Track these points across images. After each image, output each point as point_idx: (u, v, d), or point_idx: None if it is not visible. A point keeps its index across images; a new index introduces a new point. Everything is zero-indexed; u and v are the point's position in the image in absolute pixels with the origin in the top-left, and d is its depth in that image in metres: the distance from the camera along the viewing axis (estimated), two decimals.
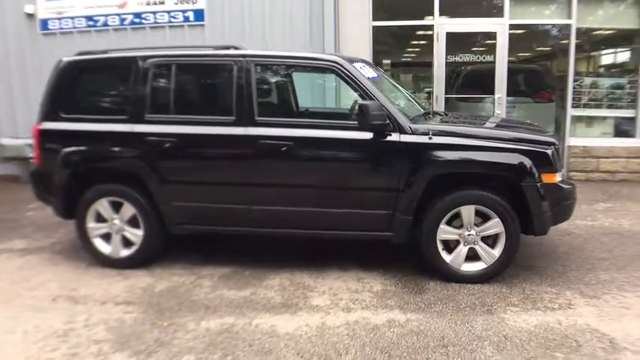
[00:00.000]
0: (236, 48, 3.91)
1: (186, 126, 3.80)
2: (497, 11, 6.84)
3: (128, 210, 3.96)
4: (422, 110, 4.13)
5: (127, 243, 4.05)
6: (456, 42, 6.89)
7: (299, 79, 3.91)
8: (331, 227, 3.80)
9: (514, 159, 3.52)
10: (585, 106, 6.95)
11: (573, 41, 6.70)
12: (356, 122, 3.64)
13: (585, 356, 2.77)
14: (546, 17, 7.02)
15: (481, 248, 3.67)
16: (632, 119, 6.87)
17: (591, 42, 7.39)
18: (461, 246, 3.69)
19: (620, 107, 6.90)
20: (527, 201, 3.54)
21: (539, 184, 3.53)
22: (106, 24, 7.41)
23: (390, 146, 3.58)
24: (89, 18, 7.41)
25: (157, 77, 3.88)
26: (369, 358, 2.77)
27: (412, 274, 3.91)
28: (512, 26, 6.79)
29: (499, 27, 6.82)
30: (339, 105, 4.03)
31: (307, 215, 3.77)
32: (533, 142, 3.64)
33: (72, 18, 7.40)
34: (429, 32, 7.01)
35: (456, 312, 3.31)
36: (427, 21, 7.02)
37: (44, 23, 7.53)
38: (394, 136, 3.58)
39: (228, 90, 3.77)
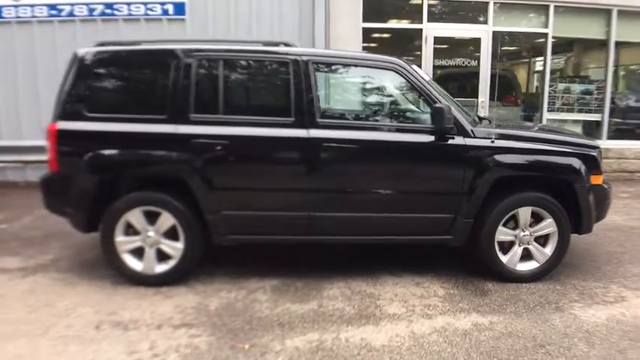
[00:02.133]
0: (286, 45, 3.68)
1: (240, 127, 3.50)
2: (482, 18, 7.14)
3: (166, 221, 3.56)
4: (470, 114, 4.15)
5: (161, 257, 3.66)
6: (443, 46, 7.09)
7: (358, 79, 3.76)
8: (393, 232, 3.71)
9: (570, 162, 3.67)
10: (558, 109, 7.50)
11: (549, 49, 7.20)
12: (419, 125, 3.61)
13: None
14: (526, 26, 7.45)
15: (535, 248, 3.78)
16: (599, 123, 7.53)
17: (564, 50, 7.99)
18: (516, 246, 3.77)
19: (589, 111, 7.53)
20: (578, 201, 3.71)
21: (588, 186, 3.71)
22: (71, 14, 6.65)
23: (455, 149, 3.58)
24: (52, 7, 6.60)
25: (203, 73, 3.53)
26: None
27: (464, 276, 3.93)
28: (494, 33, 7.14)
29: (483, 33, 7.14)
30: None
31: (370, 221, 3.64)
32: (583, 145, 3.82)
33: (31, 6, 6.55)
34: (418, 36, 7.14)
35: (530, 311, 3.37)
36: (416, 25, 7.14)
37: None
38: (458, 140, 3.57)
39: (285, 89, 3.53)
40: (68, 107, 3.55)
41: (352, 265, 4.11)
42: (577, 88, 7.51)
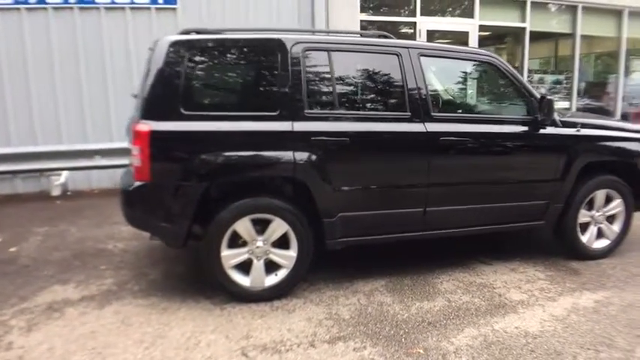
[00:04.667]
0: (385, 36, 3.55)
1: (358, 123, 3.31)
2: (469, 13, 7.48)
3: (278, 228, 3.25)
4: None
5: (268, 269, 3.34)
6: (434, 40, 7.31)
7: (460, 72, 3.73)
8: (497, 222, 3.79)
9: (637, 146, 4.04)
10: None
11: (527, 42, 7.76)
12: (518, 116, 3.71)
13: None
14: (507, 20, 7.94)
15: (606, 227, 4.11)
16: (568, 109, 8.32)
17: (538, 43, 8.67)
18: (592, 226, 4.07)
19: (559, 99, 8.29)
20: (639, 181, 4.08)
21: None
22: (43, 1, 5.70)
23: (550, 139, 3.74)
24: None
25: (312, 66, 3.27)
26: (634, 335, 2.92)
27: (544, 257, 4.16)
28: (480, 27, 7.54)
29: (471, 27, 7.48)
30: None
31: (479, 212, 3.67)
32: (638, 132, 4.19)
33: None
34: (412, 29, 7.29)
35: (627, 284, 3.66)
36: (410, 18, 7.28)
37: None
38: (550, 129, 3.74)
39: (398, 82, 3.40)
40: (159, 105, 3.06)
41: (439, 257, 4.12)
42: (550, 78, 8.26)
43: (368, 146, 3.35)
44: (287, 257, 3.32)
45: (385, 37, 3.56)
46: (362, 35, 3.53)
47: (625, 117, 8.56)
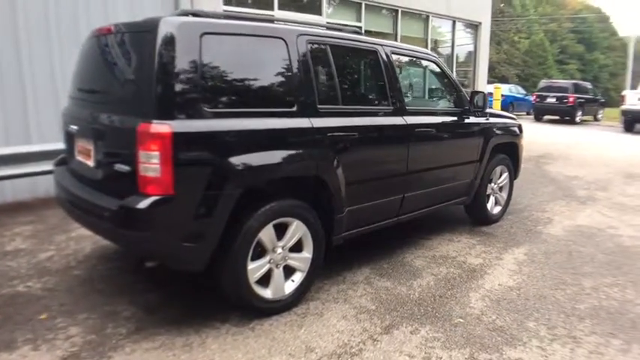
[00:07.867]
0: (357, 32, 3.65)
1: (359, 117, 3.35)
2: (317, 10, 7.92)
3: (298, 230, 3.07)
4: None
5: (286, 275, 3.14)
6: None
7: (413, 69, 3.99)
8: (445, 200, 4.32)
9: (517, 130, 5.13)
10: None
11: None
12: (454, 108, 4.29)
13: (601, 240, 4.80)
14: (348, 19, 8.60)
15: (500, 195, 5.12)
16: None
17: None
18: (492, 196, 5.01)
19: None
20: (518, 156, 5.21)
21: (520, 144, 5.24)
22: None
23: (476, 126, 4.46)
24: None
25: (317, 60, 3.15)
26: (570, 273, 3.83)
27: (456, 227, 4.93)
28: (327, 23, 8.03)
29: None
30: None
31: (436, 193, 4.14)
32: (514, 118, 5.30)
33: None
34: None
35: (531, 237, 4.69)
36: (269, 11, 7.30)
37: None
38: (472, 118, 4.45)
39: (380, 78, 3.56)
40: (177, 101, 2.52)
41: (392, 240, 4.44)
42: None
43: (370, 139, 3.45)
44: (303, 260, 3.17)
45: (357, 32, 3.66)
46: (341, 30, 3.53)
47: None
